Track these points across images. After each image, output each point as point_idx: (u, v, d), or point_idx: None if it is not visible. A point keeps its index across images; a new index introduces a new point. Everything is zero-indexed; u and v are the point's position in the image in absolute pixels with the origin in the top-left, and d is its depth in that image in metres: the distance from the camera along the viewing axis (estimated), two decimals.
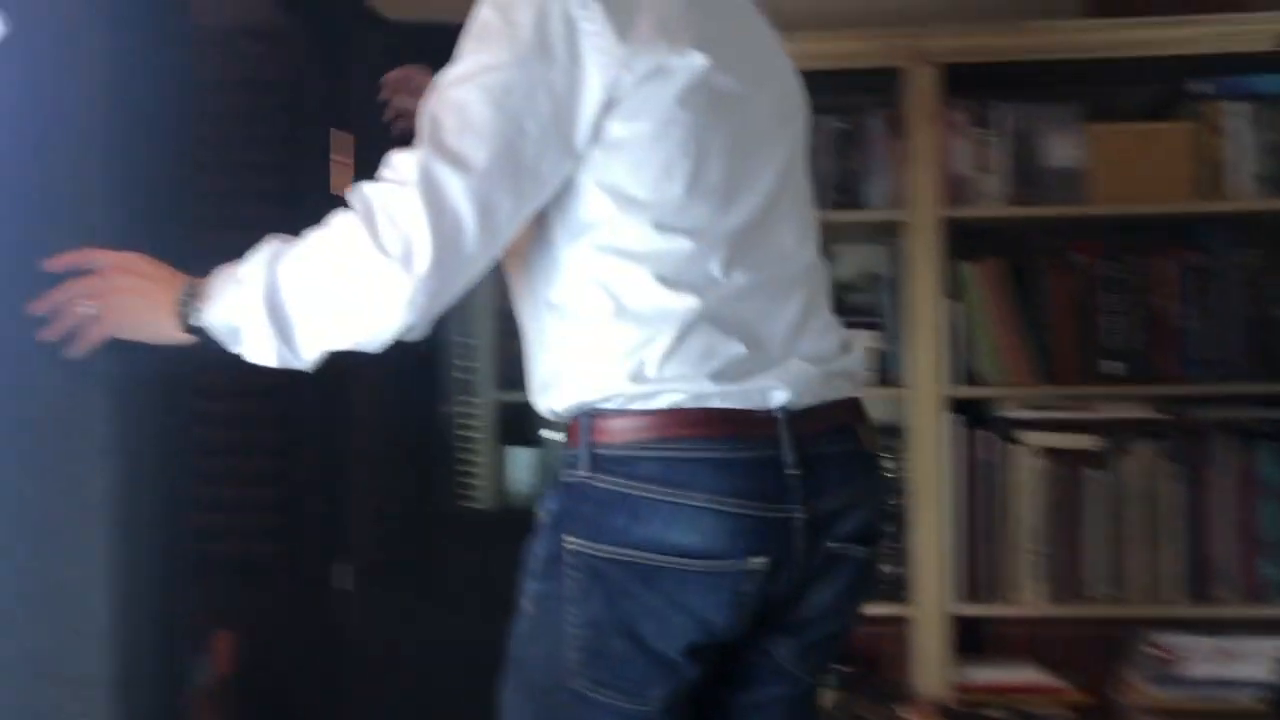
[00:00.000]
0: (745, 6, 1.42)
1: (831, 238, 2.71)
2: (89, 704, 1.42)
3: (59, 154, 1.45)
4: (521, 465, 2.76)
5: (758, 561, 1.24)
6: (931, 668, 2.50)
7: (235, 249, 1.30)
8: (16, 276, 1.39)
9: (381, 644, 2.16)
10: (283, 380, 1.37)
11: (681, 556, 1.22)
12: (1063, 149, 2.59)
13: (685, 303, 1.25)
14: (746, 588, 1.24)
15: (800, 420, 1.28)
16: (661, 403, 1.24)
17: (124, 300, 1.34)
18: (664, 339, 1.24)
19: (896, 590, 2.51)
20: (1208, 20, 2.45)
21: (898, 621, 2.51)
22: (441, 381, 2.57)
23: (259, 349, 1.26)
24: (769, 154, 1.35)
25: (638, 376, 1.24)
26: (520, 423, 2.69)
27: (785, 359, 1.30)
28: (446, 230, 1.18)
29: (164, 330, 1.31)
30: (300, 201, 2.08)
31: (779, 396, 1.27)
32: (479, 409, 2.74)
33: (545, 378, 1.33)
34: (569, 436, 1.30)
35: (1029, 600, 2.55)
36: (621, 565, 1.23)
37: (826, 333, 1.39)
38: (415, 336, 1.24)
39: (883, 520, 1.46)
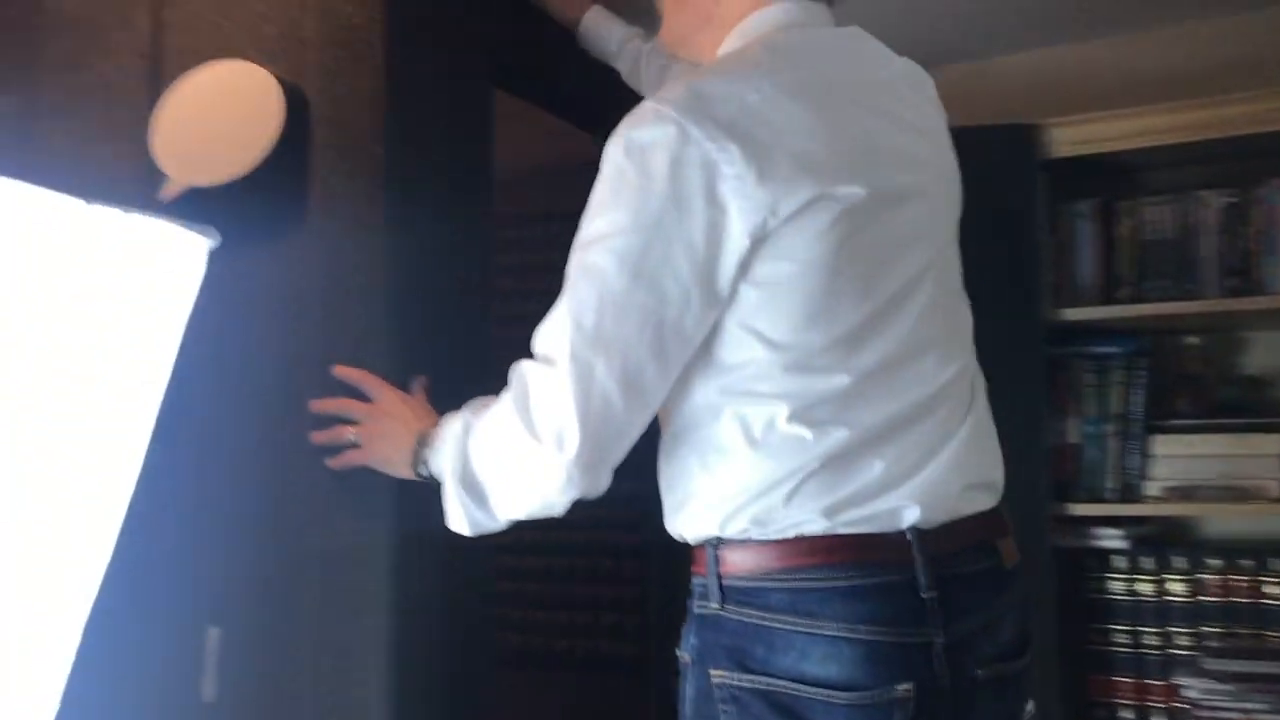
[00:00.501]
0: (897, 89, 1.35)
1: (1230, 325, 2.41)
2: None
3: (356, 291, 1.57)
4: None
5: (903, 689, 1.18)
6: None
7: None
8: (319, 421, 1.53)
9: None
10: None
11: (826, 688, 1.17)
12: None
13: (817, 438, 1.21)
14: (898, 718, 1.17)
15: (935, 539, 1.23)
16: (788, 532, 1.21)
17: (377, 439, 1.46)
18: (794, 472, 1.21)
19: None
20: None
21: None
22: None
23: (453, 509, 1.31)
24: (914, 274, 1.29)
25: (765, 508, 1.22)
26: None
27: (917, 477, 1.24)
28: (595, 411, 1.18)
29: (405, 472, 1.40)
30: None
31: (910, 516, 1.22)
32: None
33: (675, 504, 1.31)
34: (696, 564, 1.28)
35: None
36: (770, 696, 1.19)
37: (968, 444, 1.30)
38: (597, 495, 1.25)
39: (1029, 628, 1.36)
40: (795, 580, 1.20)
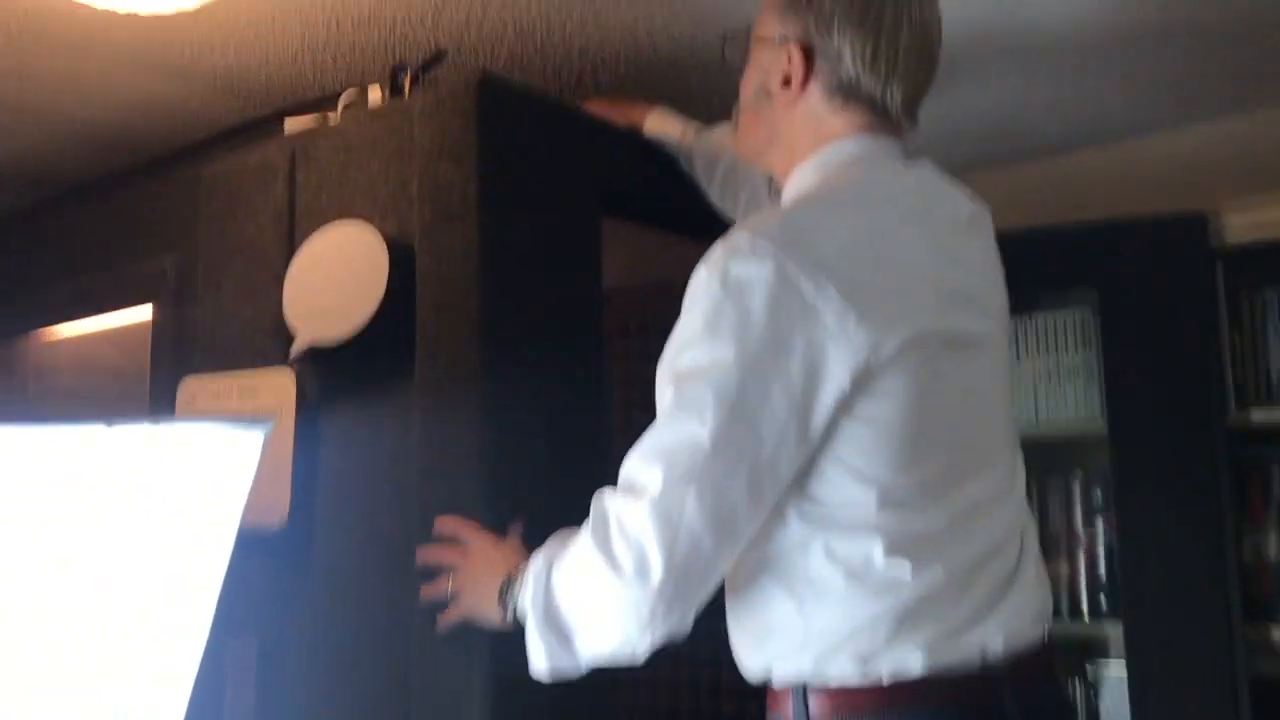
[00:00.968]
0: (965, 229, 1.38)
1: None
2: None
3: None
4: None
5: None
6: None
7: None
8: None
9: None
10: None
11: None
12: None
13: (916, 574, 1.21)
14: None
15: (1016, 669, 1.25)
16: (885, 672, 1.21)
17: (470, 588, 1.46)
18: (893, 608, 1.21)
19: None
20: None
21: None
22: None
23: (534, 649, 1.30)
24: (991, 416, 1.34)
25: (867, 646, 1.21)
26: None
27: (999, 609, 1.26)
28: (681, 547, 1.17)
29: (496, 618, 1.39)
30: None
31: (995, 647, 1.24)
32: None
33: (755, 638, 1.28)
34: (772, 703, 1.27)
35: None
36: None
37: (1033, 573, 1.33)
38: (681, 636, 1.24)
39: None
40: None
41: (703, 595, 1.22)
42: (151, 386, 2.06)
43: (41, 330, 2.40)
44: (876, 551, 1.21)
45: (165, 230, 2.09)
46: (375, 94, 1.86)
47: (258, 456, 1.21)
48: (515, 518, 1.55)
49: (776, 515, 1.24)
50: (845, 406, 1.20)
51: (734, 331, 1.18)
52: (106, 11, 1.81)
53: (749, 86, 1.43)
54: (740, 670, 1.32)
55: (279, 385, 1.81)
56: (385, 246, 1.68)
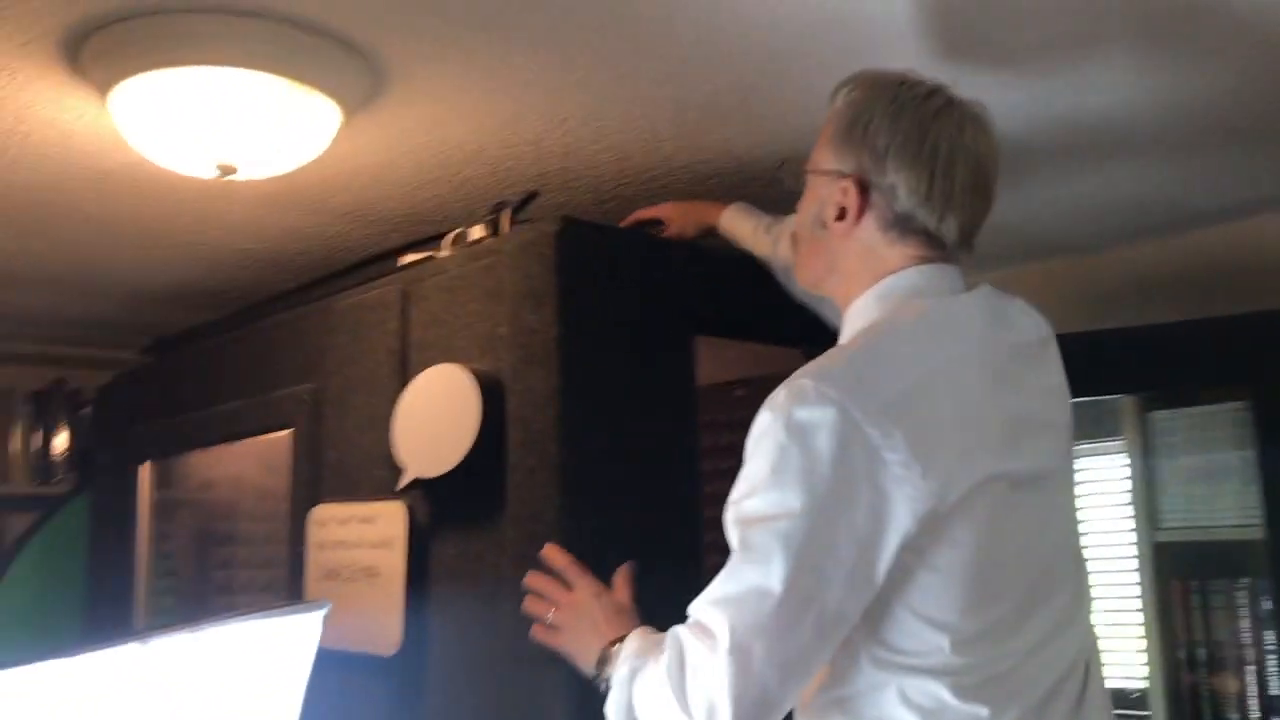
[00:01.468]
0: (1031, 351, 1.38)
1: None
2: None
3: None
4: None
5: None
6: None
7: None
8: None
9: None
10: None
11: None
12: None
13: (993, 716, 1.21)
14: None
15: None
16: None
17: (568, 631, 1.52)
18: None
19: None
20: None
21: None
22: None
23: None
24: (1059, 544, 1.33)
25: None
26: None
27: None
28: (750, 694, 1.18)
29: (588, 671, 1.45)
30: None
31: None
32: None
33: None
34: None
35: None
36: None
37: (1103, 706, 1.34)
38: None
39: None
40: None
41: None
42: (291, 506, 2.19)
43: (204, 448, 2.59)
44: (950, 694, 1.21)
45: (305, 359, 2.22)
46: (477, 231, 1.93)
47: (318, 635, 1.27)
48: (622, 568, 1.56)
49: (849, 658, 1.25)
50: (913, 552, 1.20)
51: (800, 478, 1.18)
52: None
53: (805, 216, 1.44)
54: None
55: (393, 516, 1.90)
56: (478, 389, 1.73)
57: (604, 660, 1.42)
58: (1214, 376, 2.22)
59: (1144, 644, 2.33)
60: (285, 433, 2.23)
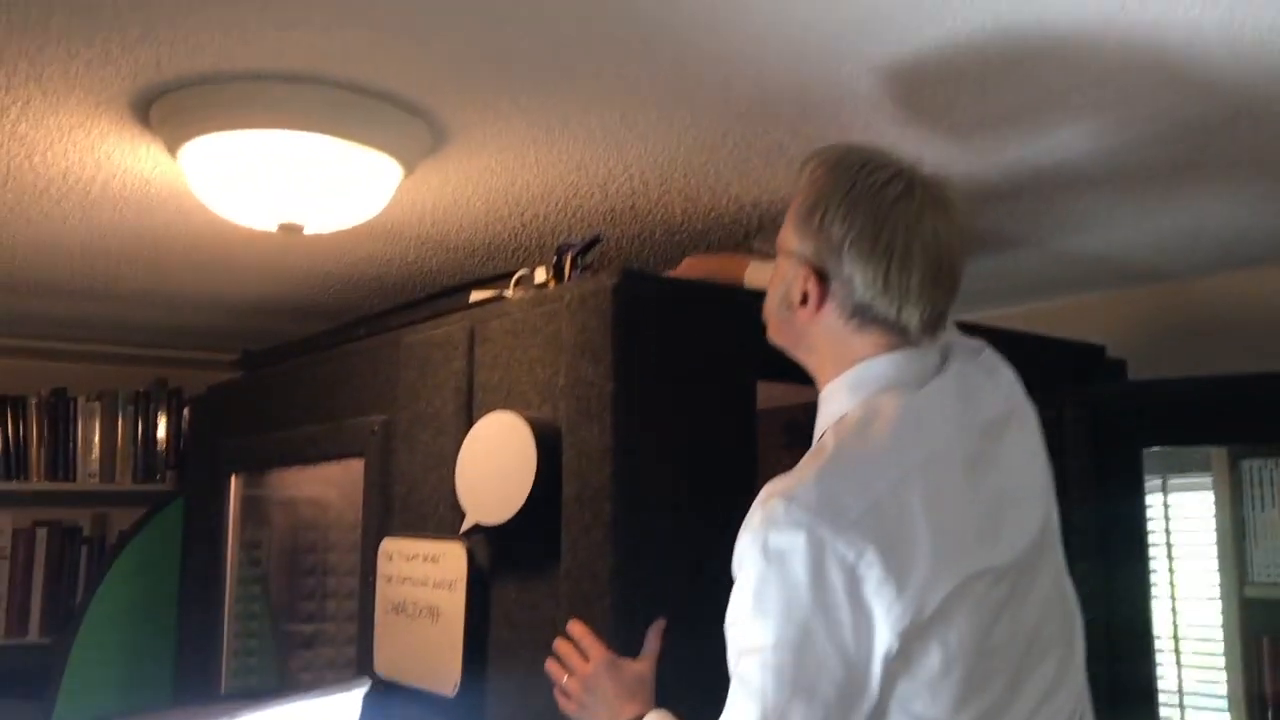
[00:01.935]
0: (1008, 420, 1.37)
1: None
2: None
3: None
4: None
5: None
6: None
7: None
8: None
9: None
10: None
11: None
12: None
13: None
14: None
15: None
16: None
17: (581, 704, 1.55)
18: None
19: None
20: None
21: None
22: None
23: None
24: (1047, 599, 1.33)
25: None
26: None
27: None
28: None
29: None
30: None
31: None
32: None
33: None
34: None
35: None
36: None
37: None
38: None
39: None
40: None
41: None
42: (363, 536, 2.23)
43: (285, 467, 2.66)
44: None
45: (376, 390, 2.26)
46: (540, 274, 1.93)
47: (357, 713, 1.30)
48: (653, 626, 1.60)
49: None
50: (900, 660, 1.20)
51: (780, 607, 1.19)
52: None
53: (773, 294, 1.43)
54: None
55: (456, 557, 1.92)
56: (534, 441, 1.74)
57: None
58: None
59: (1225, 703, 2.24)
60: (359, 461, 2.27)
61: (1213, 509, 2.30)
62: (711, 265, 1.98)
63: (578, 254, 1.90)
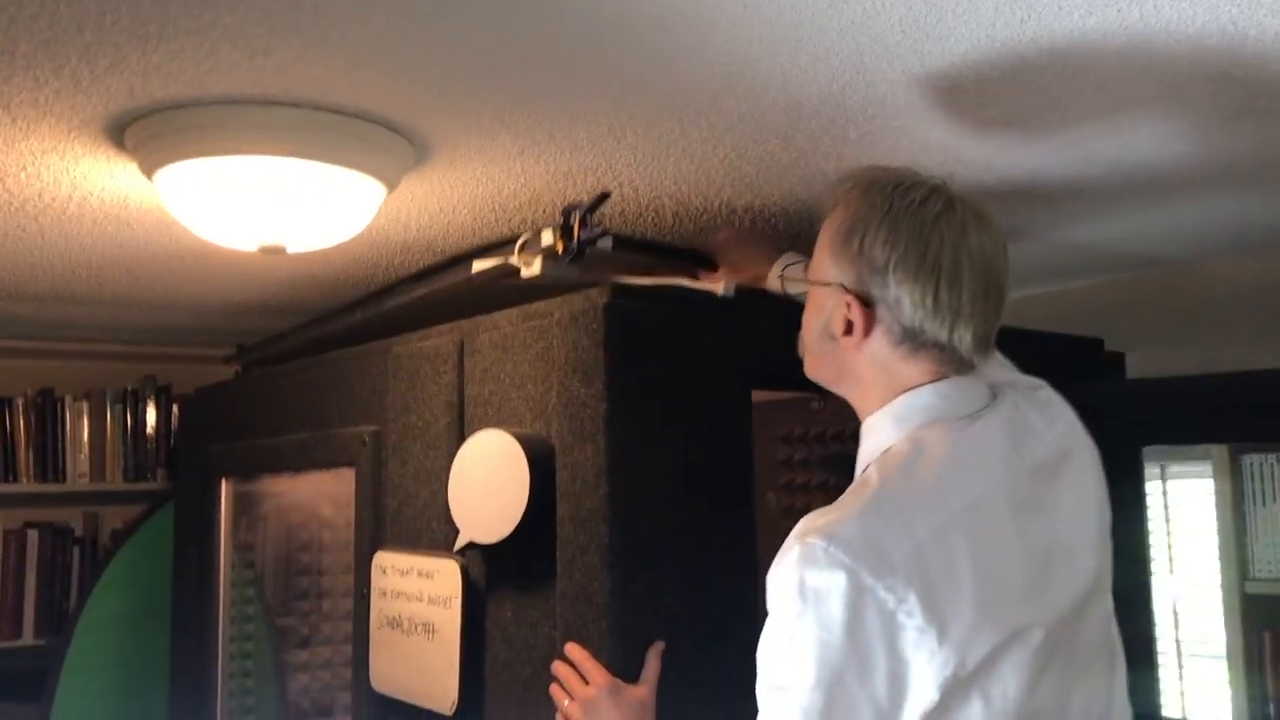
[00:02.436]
0: (1059, 460, 1.32)
1: None
2: None
3: None
4: None
5: None
6: None
7: None
8: None
9: None
10: None
11: None
12: None
13: None
14: None
15: None
16: None
17: None
18: None
19: None
20: None
21: None
22: None
23: None
24: (1092, 636, 1.30)
25: None
26: None
27: None
28: None
29: None
30: None
31: None
32: None
33: None
34: None
35: None
36: None
37: None
38: None
39: None
40: None
41: None
42: (356, 547, 2.21)
43: (275, 474, 2.63)
44: None
45: (367, 400, 2.23)
46: (548, 236, 1.85)
47: None
48: (655, 645, 1.60)
49: None
50: (939, 712, 1.16)
51: (814, 648, 1.15)
52: None
53: (811, 326, 1.38)
54: None
55: (450, 574, 1.90)
56: (527, 461, 1.71)
57: None
58: None
59: (1227, 695, 2.23)
60: (350, 470, 2.24)
61: (1213, 497, 2.29)
62: (734, 266, 1.94)
63: (585, 213, 1.82)
